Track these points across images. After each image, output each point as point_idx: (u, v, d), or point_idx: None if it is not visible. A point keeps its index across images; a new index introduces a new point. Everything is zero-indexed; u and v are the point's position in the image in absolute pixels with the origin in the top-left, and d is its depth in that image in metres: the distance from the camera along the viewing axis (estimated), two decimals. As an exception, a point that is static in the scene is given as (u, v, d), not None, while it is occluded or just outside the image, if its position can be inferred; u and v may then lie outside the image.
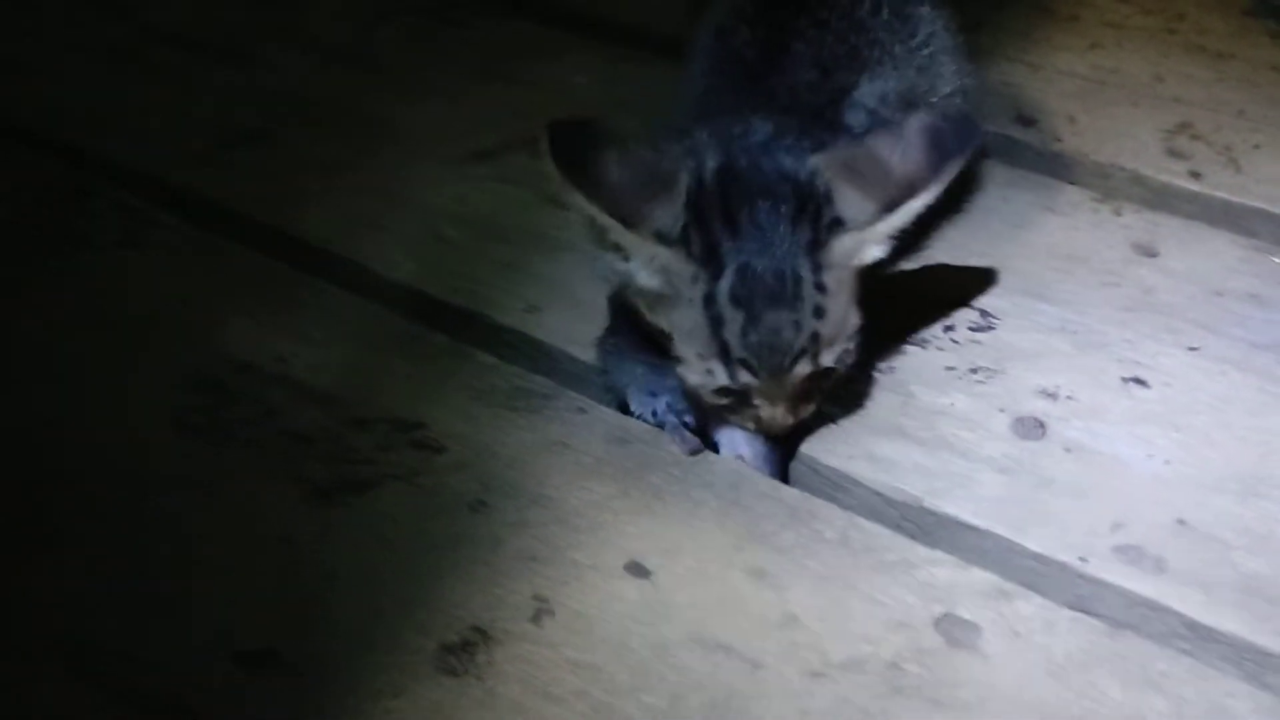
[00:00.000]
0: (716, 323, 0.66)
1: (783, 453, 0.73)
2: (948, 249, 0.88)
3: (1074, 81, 1.05)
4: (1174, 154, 0.96)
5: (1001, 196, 0.94)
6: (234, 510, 0.70)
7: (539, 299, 0.83)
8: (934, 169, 0.68)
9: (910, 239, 0.86)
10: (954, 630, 0.63)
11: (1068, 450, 0.73)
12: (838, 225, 0.68)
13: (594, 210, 0.66)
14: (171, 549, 0.68)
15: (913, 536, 0.70)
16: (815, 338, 0.67)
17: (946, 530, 0.70)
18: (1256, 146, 0.96)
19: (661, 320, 0.69)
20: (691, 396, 0.71)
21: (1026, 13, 1.13)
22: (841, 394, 0.74)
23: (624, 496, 0.70)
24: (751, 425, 0.70)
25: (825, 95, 0.75)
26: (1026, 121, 1.00)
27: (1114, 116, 1.00)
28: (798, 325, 0.66)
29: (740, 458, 0.72)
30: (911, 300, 0.84)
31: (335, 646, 0.62)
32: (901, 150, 0.69)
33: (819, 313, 0.67)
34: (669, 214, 0.66)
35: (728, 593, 0.64)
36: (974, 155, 0.91)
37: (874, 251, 0.70)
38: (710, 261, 0.66)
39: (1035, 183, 0.96)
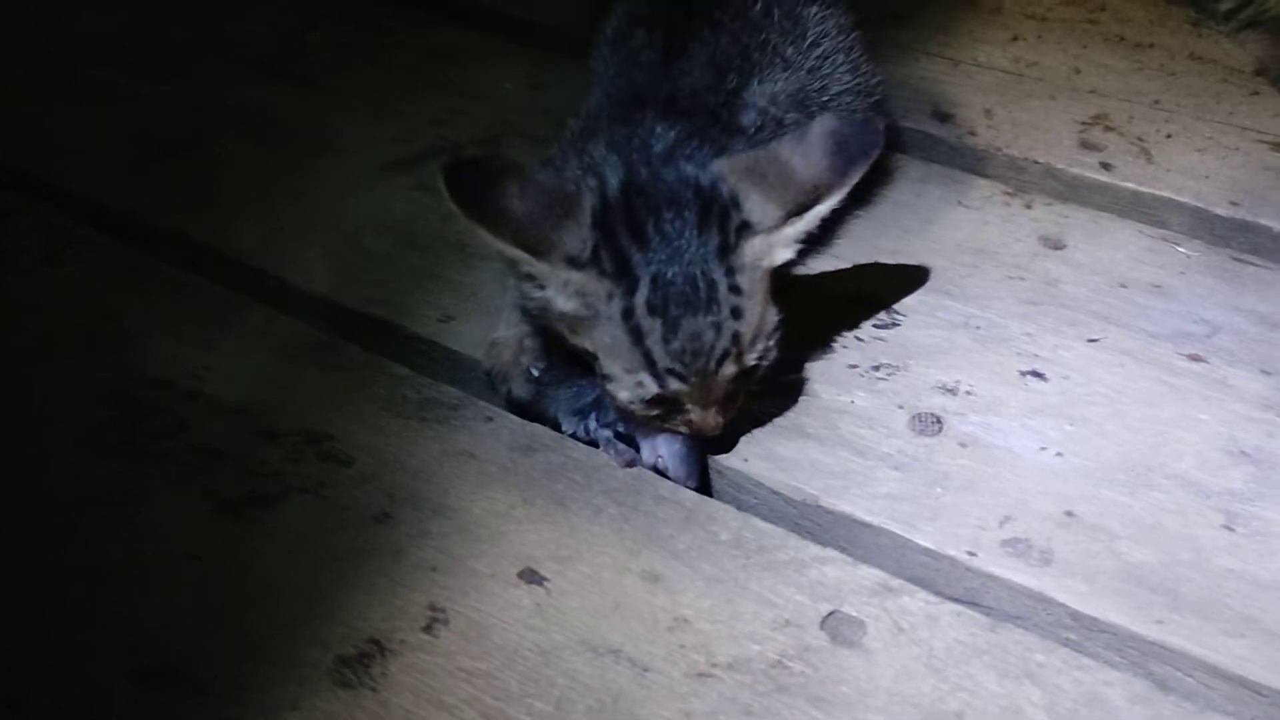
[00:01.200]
0: (637, 335, 0.67)
1: (701, 453, 0.75)
2: (859, 246, 0.90)
3: (993, 75, 1.06)
4: (1087, 146, 0.97)
5: (914, 192, 0.95)
6: (142, 526, 0.71)
7: (454, 308, 0.84)
8: (838, 174, 0.69)
9: (817, 239, 0.88)
10: (840, 627, 0.64)
11: (963, 445, 0.74)
12: (746, 228, 0.69)
13: (502, 245, 0.67)
14: (79, 566, 0.69)
15: (811, 535, 0.72)
16: (736, 338, 0.68)
17: (843, 528, 0.71)
18: (1169, 136, 0.98)
19: (584, 341, 0.70)
20: (623, 412, 0.72)
21: (949, 6, 1.14)
22: (774, 389, 0.75)
23: (526, 505, 0.71)
24: (684, 429, 0.71)
25: (720, 96, 0.76)
26: (943, 116, 1.01)
27: (1030, 109, 1.01)
28: (717, 328, 0.67)
29: (660, 459, 0.73)
30: (819, 299, 0.86)
31: (236, 661, 0.63)
32: (805, 154, 0.70)
33: (737, 314, 0.68)
34: (576, 237, 0.67)
35: (621, 597, 0.66)
36: (883, 150, 0.94)
37: (784, 253, 0.71)
38: (623, 276, 0.67)
39: (948, 177, 0.97)
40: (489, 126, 1.01)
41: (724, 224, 0.68)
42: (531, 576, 0.67)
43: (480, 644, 0.64)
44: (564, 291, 0.68)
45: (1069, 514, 0.70)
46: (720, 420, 0.71)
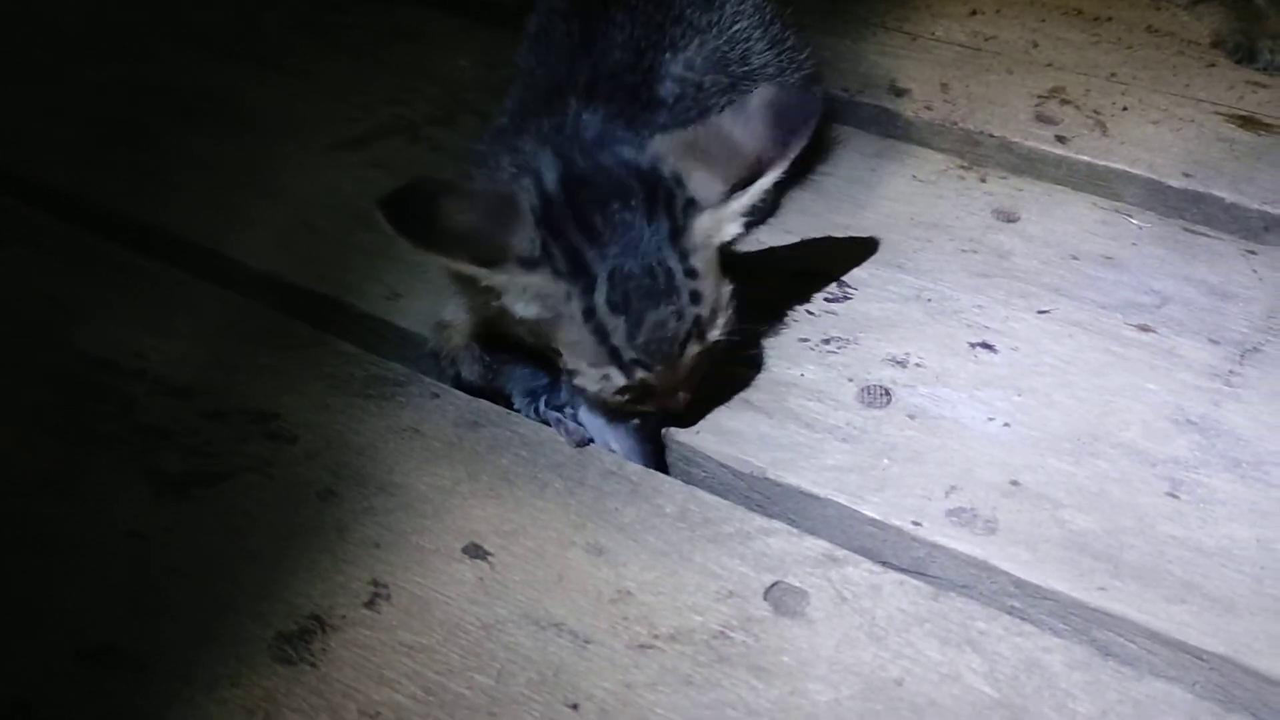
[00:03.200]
0: (602, 333, 0.66)
1: (655, 444, 0.74)
2: (811, 221, 0.89)
3: (950, 49, 1.06)
4: (1043, 119, 0.97)
5: (869, 166, 0.95)
6: (87, 507, 0.70)
7: (402, 286, 0.84)
8: (780, 145, 0.69)
9: (767, 213, 0.88)
10: (783, 598, 0.64)
11: (911, 417, 0.74)
12: (693, 207, 0.68)
13: (456, 264, 0.66)
14: (24, 548, 0.68)
15: (759, 507, 0.72)
16: (698, 320, 0.68)
17: (790, 500, 0.71)
18: (1125, 109, 0.98)
19: (547, 341, 0.69)
20: (594, 402, 0.71)
21: (909, -20, 1.13)
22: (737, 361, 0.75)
23: (471, 480, 0.71)
24: (651, 409, 0.71)
25: (638, 75, 0.75)
26: (899, 91, 1.00)
27: (987, 83, 1.01)
28: (679, 315, 0.67)
29: (610, 450, 0.73)
30: (771, 274, 0.85)
31: (177, 639, 0.63)
32: (746, 126, 0.69)
33: (695, 298, 0.68)
34: (524, 238, 0.66)
35: (564, 571, 0.66)
36: (821, 122, 0.93)
37: (731, 228, 0.70)
38: (579, 274, 0.66)
39: (904, 152, 0.97)
40: (445, 105, 1.01)
41: (671, 207, 0.68)
42: (475, 551, 0.66)
43: (422, 619, 0.63)
44: (523, 298, 0.67)
45: (1014, 483, 0.70)
46: (686, 397, 0.71)
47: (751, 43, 0.82)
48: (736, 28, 0.81)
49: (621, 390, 0.69)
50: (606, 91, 0.73)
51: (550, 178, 0.69)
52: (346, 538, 0.68)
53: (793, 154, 0.69)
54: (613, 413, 0.72)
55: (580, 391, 0.71)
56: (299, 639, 0.62)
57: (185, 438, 0.74)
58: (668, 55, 0.77)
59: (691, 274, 0.68)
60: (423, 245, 0.65)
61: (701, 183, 0.68)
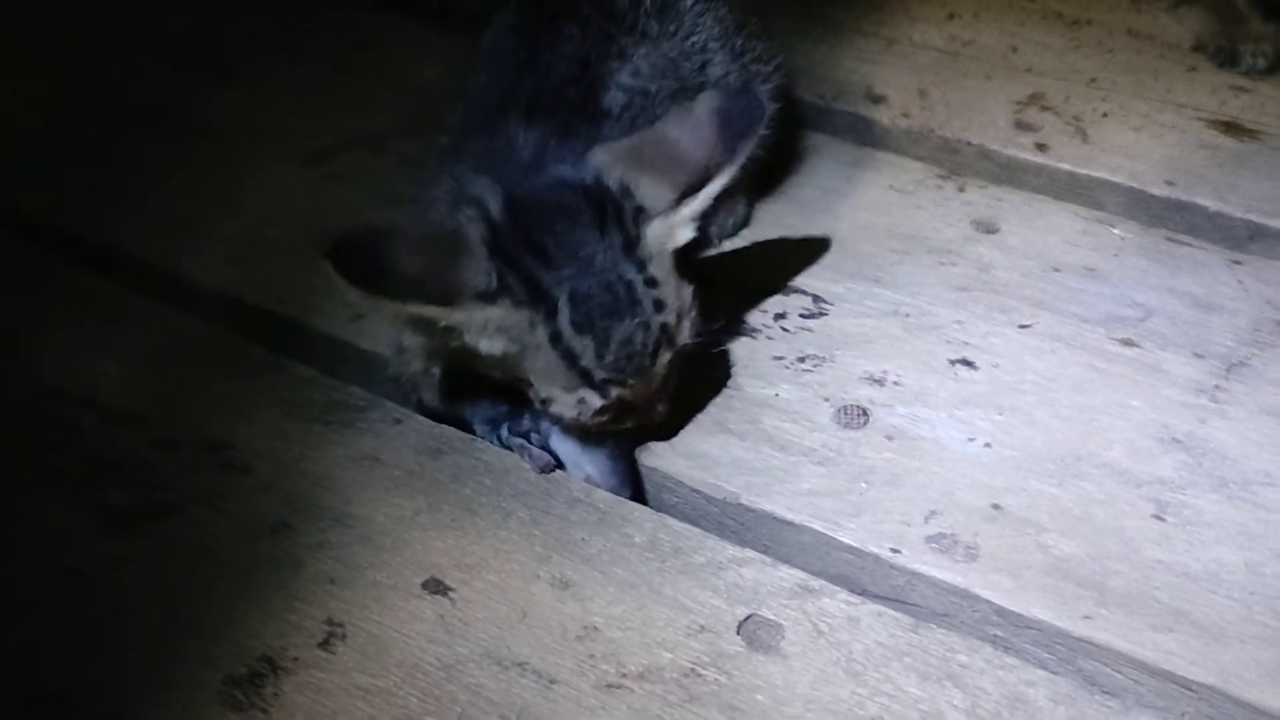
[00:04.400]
0: (571, 357, 0.64)
1: (630, 459, 0.72)
2: (786, 234, 0.87)
3: (928, 54, 1.03)
4: (1022, 126, 0.95)
5: (845, 176, 0.93)
6: (31, 542, 0.67)
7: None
8: (728, 150, 0.67)
9: (734, 225, 0.86)
10: (757, 632, 0.62)
11: (889, 438, 0.72)
12: (642, 215, 0.66)
13: (412, 309, 0.63)
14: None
15: (732, 534, 0.69)
16: (665, 328, 0.66)
17: (764, 527, 0.69)
18: (1105, 115, 0.95)
19: (515, 373, 0.67)
20: (572, 427, 0.69)
21: (886, -16, 1.11)
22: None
23: (432, 510, 0.68)
24: (631, 424, 0.69)
25: (583, 86, 0.73)
26: (876, 98, 0.98)
27: (965, 90, 0.99)
28: (646, 327, 0.65)
29: (588, 476, 0.70)
30: (746, 289, 0.83)
31: (122, 684, 0.60)
32: (693, 132, 0.67)
33: (659, 306, 0.66)
34: (478, 272, 0.64)
35: (529, 606, 0.63)
36: (787, 128, 0.90)
37: (684, 233, 0.68)
38: (539, 301, 0.64)
39: (881, 161, 0.94)
40: (411, 116, 0.98)
41: (621, 219, 0.66)
42: (435, 586, 0.64)
43: (379, 659, 0.61)
44: (485, 333, 0.65)
45: (996, 507, 0.68)
46: (666, 409, 0.69)
47: (710, 53, 0.79)
48: (694, 38, 0.79)
49: (600, 411, 0.66)
50: (548, 107, 0.71)
51: (495, 205, 0.66)
52: (300, 573, 0.65)
53: (741, 158, 0.67)
54: (589, 436, 0.70)
55: (557, 420, 0.69)
56: (249, 683, 0.60)
57: (133, 469, 0.71)
58: (614, 64, 0.74)
59: (651, 283, 0.66)
60: (378, 293, 0.63)
61: (649, 190, 0.66)
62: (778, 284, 0.83)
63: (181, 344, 0.79)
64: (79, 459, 0.72)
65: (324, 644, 0.61)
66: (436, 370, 0.73)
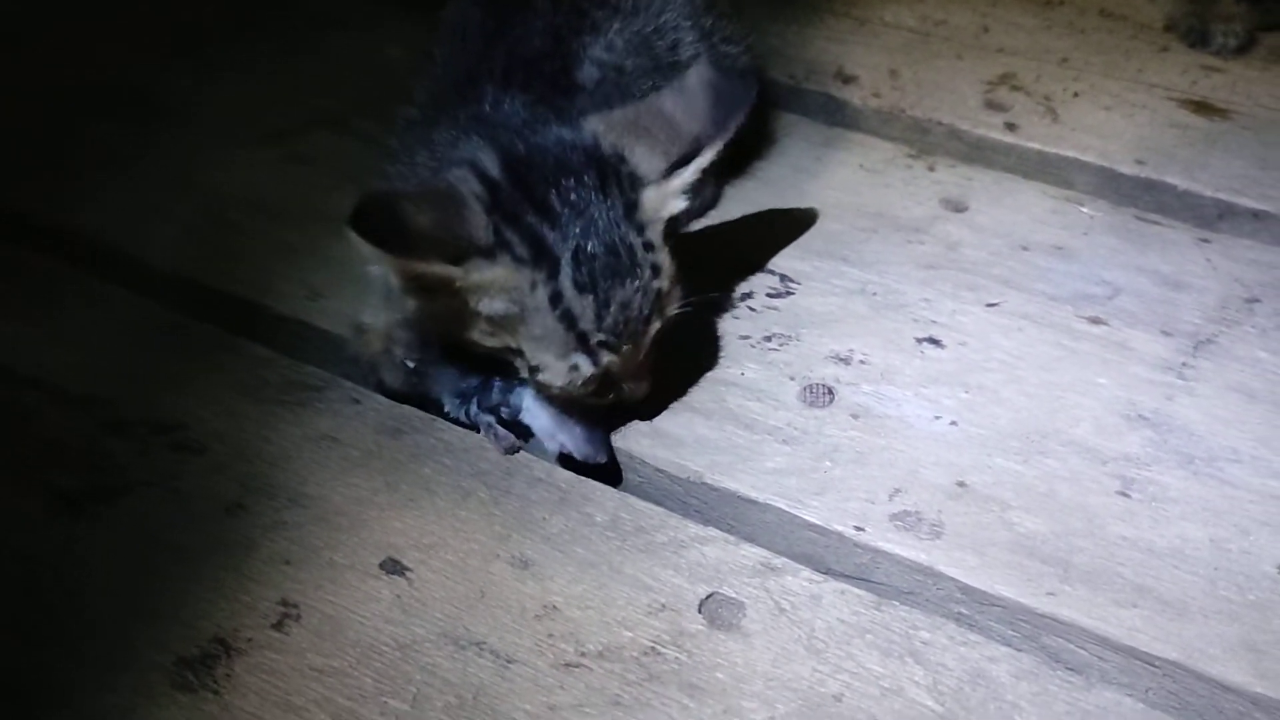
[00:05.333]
0: (569, 318, 0.63)
1: (605, 430, 0.71)
2: (755, 213, 0.86)
3: (900, 34, 1.02)
4: (992, 106, 0.94)
5: (815, 156, 0.92)
6: (-24, 527, 0.66)
7: (322, 285, 0.79)
8: (718, 124, 0.67)
9: (703, 205, 0.85)
10: (718, 610, 0.61)
11: (854, 416, 0.71)
12: (639, 181, 0.66)
13: (432, 269, 0.61)
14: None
15: (697, 513, 0.68)
16: (658, 295, 0.66)
17: (729, 505, 0.68)
18: (1076, 95, 0.95)
19: (508, 340, 0.66)
20: (558, 399, 0.68)
21: (858, -37, 1.10)
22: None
23: (390, 490, 0.67)
24: (616, 398, 0.68)
25: (557, 60, 0.72)
26: (847, 78, 0.97)
27: (937, 69, 0.98)
28: (644, 291, 0.65)
29: (562, 446, 0.69)
30: (714, 267, 0.81)
31: (71, 669, 0.59)
32: (686, 105, 0.67)
33: (656, 271, 0.66)
34: (479, 228, 0.62)
35: (488, 586, 0.62)
36: (763, 110, 0.90)
37: (676, 204, 0.68)
38: (542, 259, 0.63)
39: (851, 141, 0.93)
40: (374, 96, 0.96)
41: (620, 183, 0.65)
42: (393, 567, 0.63)
43: (334, 640, 0.59)
44: (489, 294, 0.63)
45: (961, 484, 0.67)
46: (647, 380, 0.68)
47: (681, 33, 0.78)
48: (666, 17, 0.78)
49: (589, 380, 0.65)
50: (523, 79, 0.70)
51: (490, 163, 0.65)
52: (255, 554, 0.63)
53: (730, 133, 0.67)
54: (568, 409, 0.69)
55: (545, 388, 0.67)
56: (201, 665, 0.58)
57: (83, 451, 0.69)
58: (588, 39, 0.73)
59: (650, 247, 0.66)
60: (402, 253, 0.61)
61: (643, 159, 0.66)
62: (745, 263, 0.82)
63: (136, 326, 0.78)
64: (30, 441, 0.70)
65: (278, 625, 0.60)
66: (397, 350, 0.72)
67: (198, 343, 0.76)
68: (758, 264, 0.81)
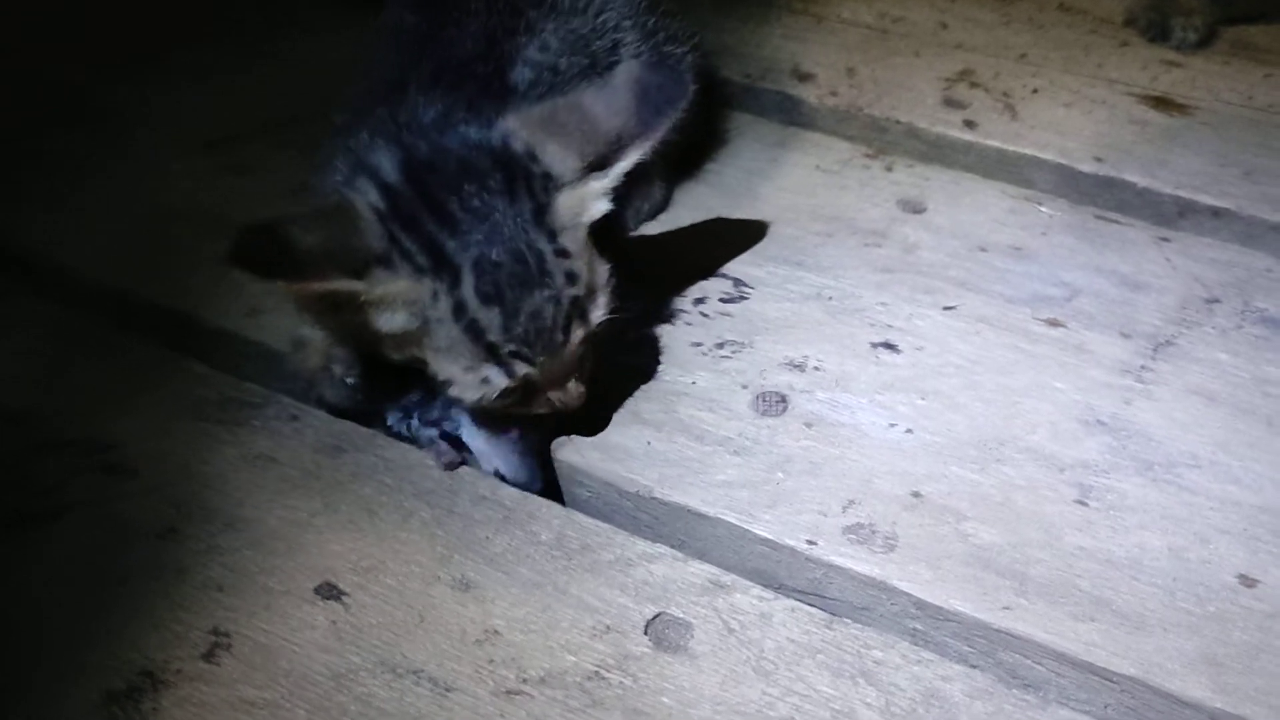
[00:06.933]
0: (475, 330, 0.61)
1: (540, 452, 0.69)
2: (708, 216, 0.84)
3: (858, 31, 1.01)
4: (951, 104, 0.92)
5: (770, 157, 0.90)
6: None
7: (263, 299, 0.77)
8: (643, 123, 0.64)
9: (653, 208, 0.83)
10: (665, 631, 0.59)
11: (808, 425, 0.69)
12: (552, 183, 0.63)
13: (327, 286, 0.59)
14: None
15: (647, 529, 0.66)
16: (576, 302, 0.63)
17: (679, 520, 0.66)
18: (1035, 91, 0.93)
19: (414, 353, 0.63)
20: (477, 412, 0.66)
21: (815, -41, 1.08)
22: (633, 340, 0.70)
23: (329, 511, 0.65)
24: (546, 410, 0.66)
25: (490, 63, 0.70)
26: (803, 76, 0.95)
27: (894, 67, 0.96)
28: (557, 300, 0.62)
29: (496, 469, 0.68)
30: (665, 274, 0.80)
31: (-10, 703, 0.57)
32: (608, 102, 0.64)
33: (572, 279, 0.63)
34: (375, 238, 0.60)
35: (427, 610, 0.60)
36: (708, 108, 0.88)
37: (598, 206, 0.65)
38: (442, 269, 0.60)
39: (807, 141, 0.92)
40: (319, 101, 0.93)
41: (530, 185, 0.62)
42: (329, 592, 0.60)
43: (266, 670, 0.57)
44: (390, 308, 0.61)
45: (916, 495, 0.66)
46: (581, 389, 0.65)
47: (622, 33, 0.76)
48: (605, 15, 0.76)
49: (505, 393, 0.63)
50: (452, 81, 0.67)
51: (388, 168, 0.63)
52: (186, 581, 0.61)
53: (657, 134, 0.64)
54: (499, 427, 0.67)
55: (458, 402, 0.65)
56: (128, 698, 0.56)
57: (9, 473, 0.67)
58: (522, 39, 0.71)
59: (563, 254, 0.63)
60: (283, 276, 0.59)
61: (556, 157, 0.63)
62: (698, 268, 0.80)
63: (68, 341, 0.75)
64: (-46, 465, 0.68)
65: (208, 655, 0.58)
66: (337, 367, 0.69)
67: (134, 360, 0.73)
68: (710, 269, 0.80)
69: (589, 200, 0.64)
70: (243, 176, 0.87)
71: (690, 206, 0.84)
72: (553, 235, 0.62)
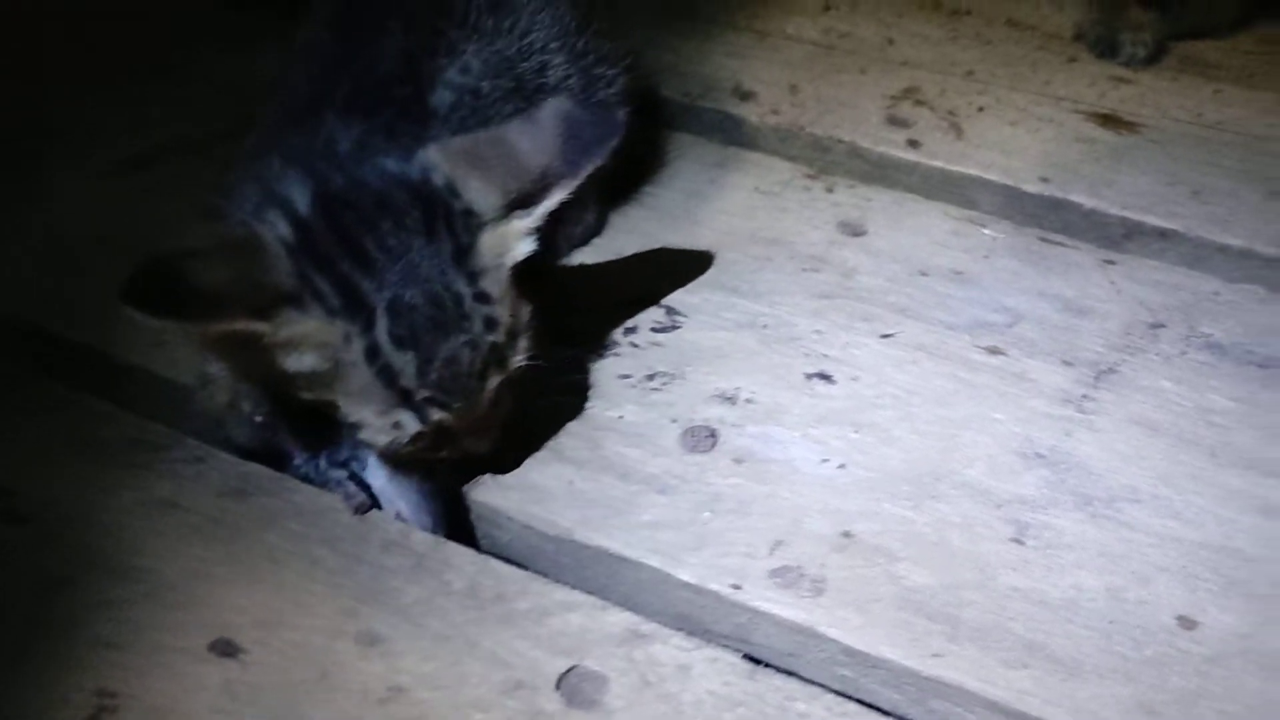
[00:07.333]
0: (389, 374, 0.58)
1: (444, 495, 0.66)
2: (643, 241, 0.81)
3: (802, 48, 0.98)
4: (895, 122, 0.90)
5: (709, 178, 0.87)
6: None
7: (170, 330, 0.74)
8: (570, 163, 0.62)
9: (586, 233, 0.80)
10: (579, 685, 0.56)
11: (737, 461, 0.67)
12: (472, 220, 0.60)
13: (228, 326, 0.56)
14: None
15: (568, 573, 0.63)
16: (495, 349, 0.61)
17: (601, 564, 0.63)
18: (981, 109, 0.91)
19: (323, 395, 0.60)
20: (387, 457, 0.63)
21: (761, -26, 1.06)
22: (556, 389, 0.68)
23: (232, 561, 0.61)
24: (457, 455, 0.63)
25: (409, 85, 0.67)
26: (745, 94, 0.93)
27: (838, 85, 0.94)
28: (474, 345, 0.60)
29: (399, 512, 0.64)
30: (597, 300, 0.77)
31: None
32: (533, 138, 0.62)
33: (490, 324, 0.60)
34: (282, 275, 0.57)
35: (330, 666, 0.57)
36: (644, 129, 0.85)
37: (522, 247, 0.62)
38: (355, 310, 0.58)
39: (748, 161, 0.89)
40: (239, 120, 0.90)
41: (451, 223, 0.60)
42: (225, 648, 0.57)
43: (154, 735, 0.54)
44: (298, 349, 0.58)
45: (846, 535, 0.63)
46: (496, 434, 0.63)
47: (549, 54, 0.74)
48: (532, 37, 0.73)
49: (416, 437, 0.60)
50: (369, 105, 0.65)
51: (302, 201, 0.60)
52: (75, 637, 0.58)
53: (584, 173, 0.62)
54: (404, 467, 0.64)
55: (369, 447, 0.62)
56: (3, 769, 0.53)
57: (-104, 523, 0.64)
58: (443, 61, 0.68)
59: (483, 298, 0.60)
60: (180, 318, 0.56)
61: (479, 193, 0.60)
62: (631, 297, 0.77)
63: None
64: None
65: (92, 719, 0.55)
66: (245, 404, 0.66)
67: (31, 396, 0.70)
68: (643, 297, 0.77)
69: (512, 240, 0.61)
70: (158, 196, 0.83)
71: (626, 231, 0.82)
72: (473, 278, 0.60)
